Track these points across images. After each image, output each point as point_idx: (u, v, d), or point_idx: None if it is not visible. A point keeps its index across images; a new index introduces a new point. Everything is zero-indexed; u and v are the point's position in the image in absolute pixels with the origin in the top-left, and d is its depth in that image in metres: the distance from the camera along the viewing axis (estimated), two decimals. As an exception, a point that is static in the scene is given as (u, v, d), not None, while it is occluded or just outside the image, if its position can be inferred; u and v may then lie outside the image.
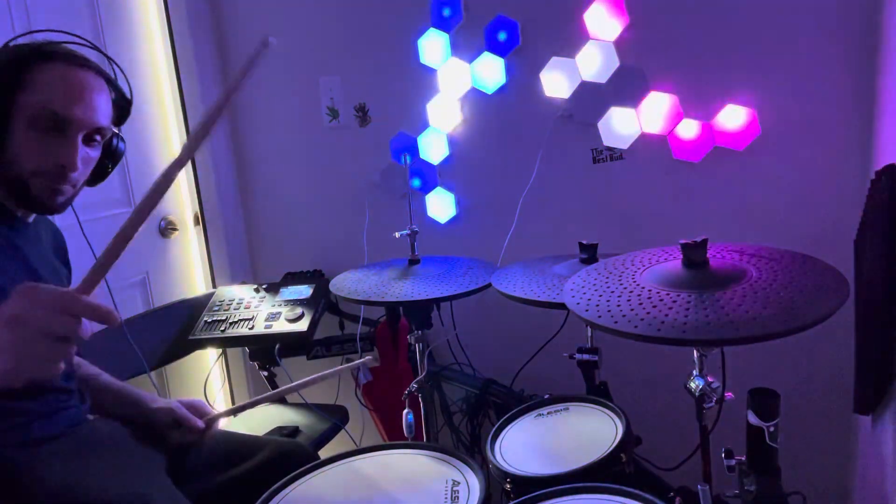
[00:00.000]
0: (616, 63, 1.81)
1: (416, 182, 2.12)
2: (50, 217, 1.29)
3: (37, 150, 1.07)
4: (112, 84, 1.19)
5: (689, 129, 1.78)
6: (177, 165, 0.80)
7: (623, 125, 1.84)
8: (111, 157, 1.24)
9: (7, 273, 1.10)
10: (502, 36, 1.93)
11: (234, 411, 1.47)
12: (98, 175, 1.24)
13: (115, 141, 1.23)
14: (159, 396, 1.41)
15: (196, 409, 1.37)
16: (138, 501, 1.10)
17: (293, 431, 1.82)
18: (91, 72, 1.13)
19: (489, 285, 1.56)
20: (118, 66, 1.24)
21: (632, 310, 1.04)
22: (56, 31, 1.17)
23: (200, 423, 1.34)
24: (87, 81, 1.11)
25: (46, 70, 1.08)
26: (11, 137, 1.06)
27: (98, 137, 1.15)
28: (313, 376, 1.31)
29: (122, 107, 1.23)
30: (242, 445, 1.40)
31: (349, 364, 1.35)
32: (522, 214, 1.99)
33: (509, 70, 1.95)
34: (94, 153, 1.17)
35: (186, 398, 1.40)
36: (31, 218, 1.21)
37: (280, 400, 2.14)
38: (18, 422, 1.12)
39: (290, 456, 1.36)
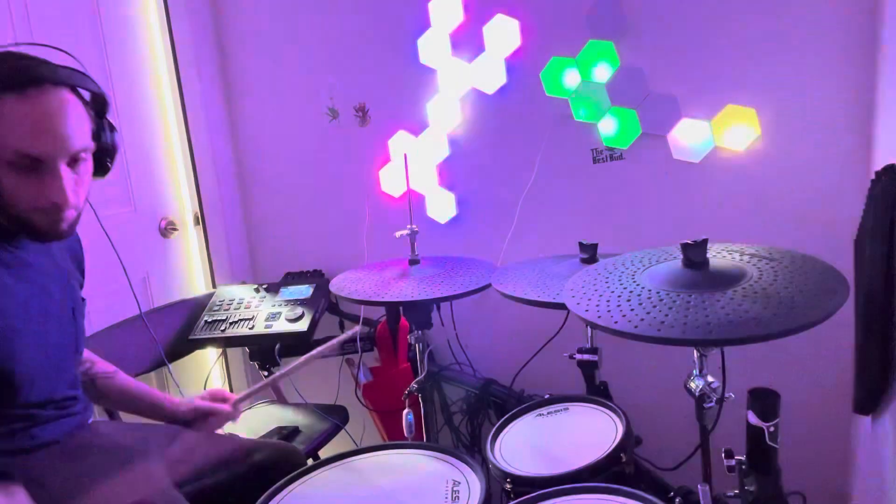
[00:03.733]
0: (616, 62, 1.81)
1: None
2: None
3: (26, 191, 1.03)
4: (77, 86, 1.08)
5: (689, 129, 1.78)
6: None
7: (623, 125, 1.84)
8: (107, 152, 1.17)
9: (17, 296, 1.10)
10: (502, 36, 1.93)
11: (258, 390, 1.54)
12: (100, 170, 1.18)
13: (105, 136, 1.16)
14: (174, 396, 1.46)
15: (218, 397, 1.46)
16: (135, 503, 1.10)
17: (293, 431, 1.82)
18: (49, 90, 1.02)
19: (489, 285, 1.56)
20: (70, 55, 1.12)
21: (632, 310, 1.04)
22: None
23: (227, 408, 1.43)
24: (48, 106, 1.01)
25: (2, 110, 0.99)
26: (1, 182, 1.02)
27: (83, 155, 1.09)
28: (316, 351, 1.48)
29: (98, 102, 1.15)
30: (238, 447, 1.40)
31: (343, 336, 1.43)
32: (522, 214, 1.99)
33: (509, 70, 1.95)
34: (85, 168, 1.11)
35: (204, 392, 1.50)
36: None
37: (280, 400, 2.14)
38: (19, 427, 1.12)
39: (285, 459, 1.37)
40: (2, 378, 1.07)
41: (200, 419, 1.44)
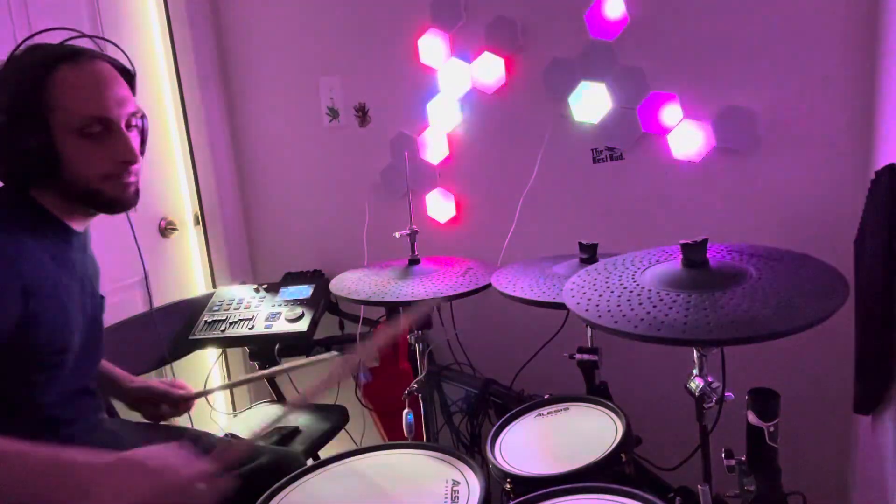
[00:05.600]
0: (616, 63, 1.81)
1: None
2: None
3: (96, 156, 1.08)
4: (116, 63, 1.17)
5: (689, 129, 1.78)
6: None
7: (622, 125, 1.84)
8: (143, 134, 1.22)
9: (70, 291, 1.13)
10: (502, 36, 1.93)
11: (212, 391, 1.50)
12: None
13: (142, 122, 1.21)
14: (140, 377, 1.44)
15: (175, 386, 1.43)
16: None
17: (293, 431, 1.82)
18: (94, 60, 1.11)
19: (489, 285, 1.56)
20: (111, 42, 1.22)
21: (632, 310, 1.04)
22: (41, 32, 1.14)
23: (178, 392, 1.40)
24: (101, 72, 1.10)
25: (59, 80, 1.06)
26: (64, 154, 1.07)
27: (134, 121, 1.15)
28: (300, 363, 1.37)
29: (131, 81, 1.21)
30: (238, 452, 1.40)
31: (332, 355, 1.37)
32: (522, 214, 1.99)
33: (509, 70, 1.95)
34: (136, 134, 1.17)
35: (167, 379, 1.46)
36: (84, 227, 1.22)
37: (281, 400, 2.14)
38: (49, 420, 1.14)
39: (285, 464, 1.37)
40: (59, 358, 1.10)
41: (150, 403, 1.40)
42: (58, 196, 1.12)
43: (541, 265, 1.60)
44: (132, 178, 1.14)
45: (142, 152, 1.23)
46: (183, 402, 1.43)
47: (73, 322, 1.13)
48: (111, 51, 1.21)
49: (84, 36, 1.18)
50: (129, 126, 1.13)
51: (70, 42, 1.14)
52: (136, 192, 1.16)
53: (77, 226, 1.19)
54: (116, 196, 1.13)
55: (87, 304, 1.21)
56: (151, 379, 1.46)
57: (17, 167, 1.06)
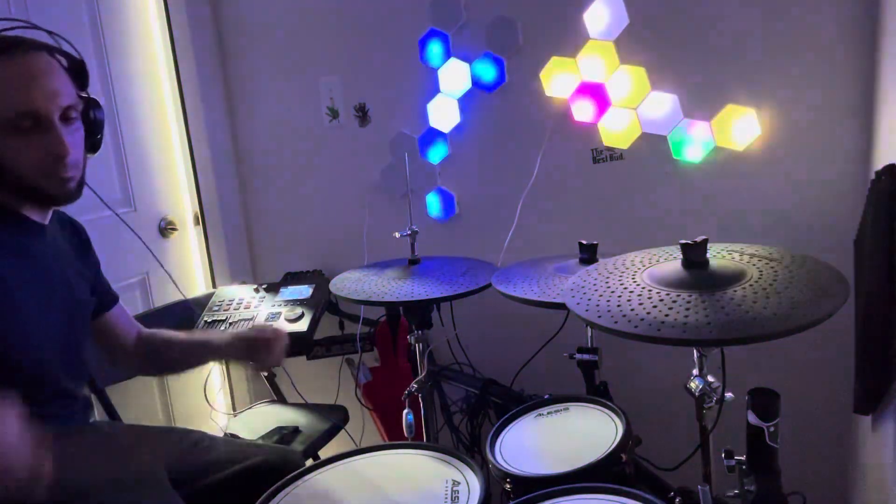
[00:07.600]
0: (616, 62, 1.81)
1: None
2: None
3: (28, 152, 1.06)
4: (57, 53, 1.13)
5: (688, 128, 1.77)
6: None
7: (623, 125, 1.84)
8: (96, 125, 1.20)
9: (25, 284, 1.11)
10: (502, 36, 1.93)
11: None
12: (93, 146, 1.21)
13: (91, 112, 1.18)
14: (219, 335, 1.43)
15: (262, 331, 1.41)
16: (136, 500, 1.11)
17: (293, 431, 1.82)
18: (30, 53, 1.07)
19: (489, 285, 1.56)
20: (47, 31, 1.17)
21: (632, 310, 1.04)
22: None
23: (271, 333, 1.39)
24: (32, 65, 1.07)
25: None
26: (6, 151, 1.06)
27: (73, 114, 1.12)
28: None
29: (77, 70, 1.17)
30: (238, 450, 1.40)
31: None
32: (522, 214, 1.99)
33: (509, 70, 1.95)
34: (77, 127, 1.14)
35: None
36: (48, 220, 1.20)
37: (280, 400, 2.14)
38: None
39: (283, 462, 1.37)
40: (7, 362, 1.08)
41: (249, 349, 1.39)
42: (5, 189, 1.10)
43: (541, 265, 1.60)
44: (70, 174, 1.11)
45: (94, 144, 1.21)
46: (275, 342, 1.40)
47: (28, 316, 1.10)
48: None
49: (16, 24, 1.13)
50: (66, 119, 1.10)
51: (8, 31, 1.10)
52: (79, 187, 1.14)
53: (37, 217, 1.17)
54: (55, 193, 1.11)
55: (57, 302, 1.18)
56: (238, 332, 1.43)
57: None
